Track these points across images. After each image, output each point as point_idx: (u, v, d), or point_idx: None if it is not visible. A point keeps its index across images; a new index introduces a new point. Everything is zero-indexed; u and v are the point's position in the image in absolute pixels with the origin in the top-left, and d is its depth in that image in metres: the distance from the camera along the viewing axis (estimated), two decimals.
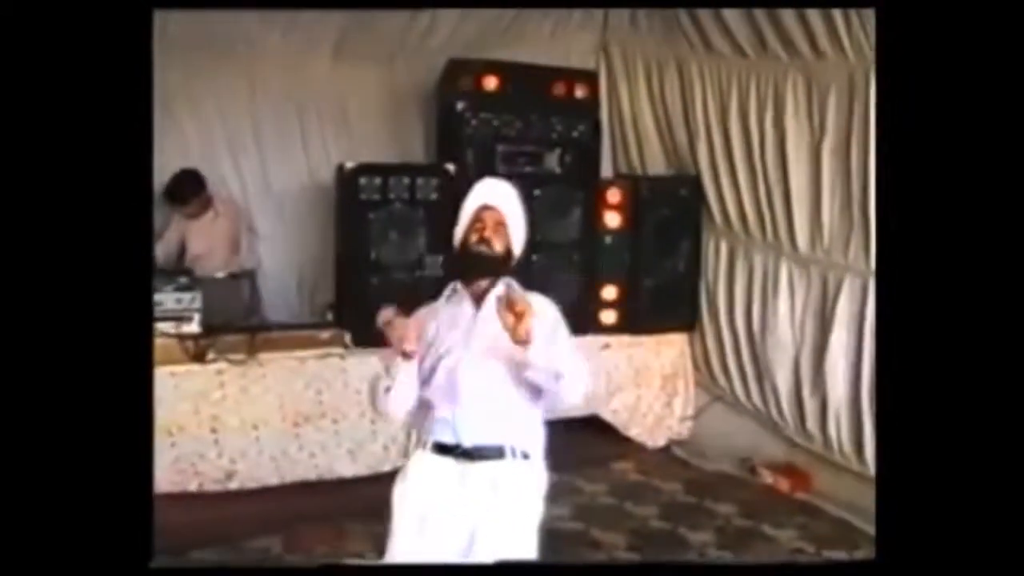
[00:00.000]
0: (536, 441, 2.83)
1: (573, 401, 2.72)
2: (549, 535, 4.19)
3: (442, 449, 2.77)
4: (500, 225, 2.84)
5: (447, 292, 2.92)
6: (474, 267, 2.84)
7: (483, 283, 2.83)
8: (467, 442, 2.73)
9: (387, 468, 4.67)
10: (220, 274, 5.30)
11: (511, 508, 2.72)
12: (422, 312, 2.92)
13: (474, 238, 2.82)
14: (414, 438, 4.70)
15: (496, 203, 2.87)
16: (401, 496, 2.82)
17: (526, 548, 2.74)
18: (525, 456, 2.76)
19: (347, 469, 4.76)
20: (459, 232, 2.88)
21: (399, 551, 2.76)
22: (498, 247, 2.82)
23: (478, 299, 2.83)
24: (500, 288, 2.76)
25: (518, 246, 2.89)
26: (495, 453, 2.73)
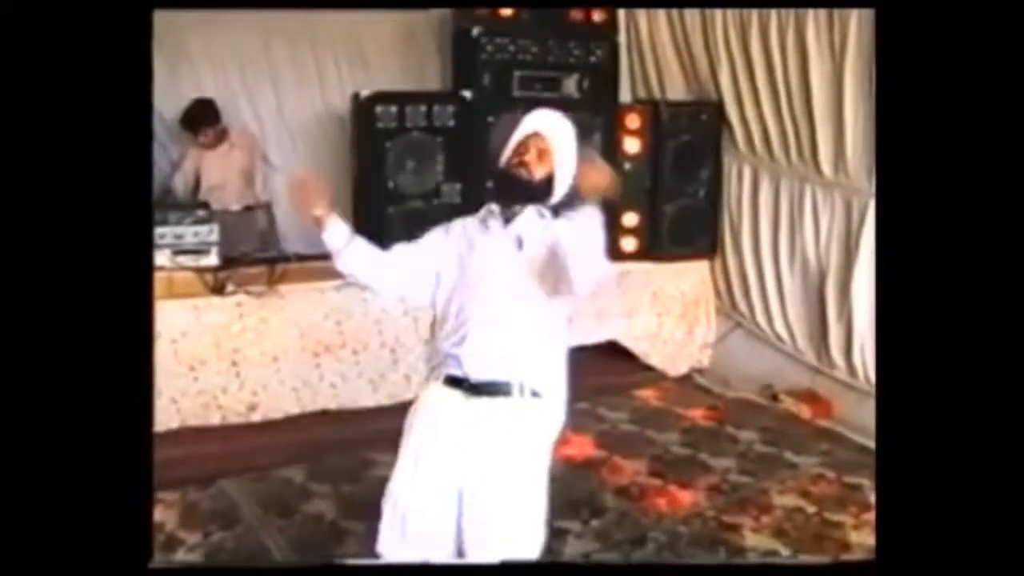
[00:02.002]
0: (550, 380, 2.76)
1: (581, 280, 2.60)
2: (571, 463, 4.28)
3: (451, 382, 2.73)
4: (544, 153, 2.75)
5: (482, 213, 2.86)
6: (510, 191, 2.79)
7: (517, 208, 2.77)
8: (474, 376, 2.69)
9: (408, 397, 4.65)
10: (235, 207, 5.28)
11: (514, 446, 2.68)
12: (455, 224, 2.89)
13: (515, 161, 2.75)
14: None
15: (546, 132, 2.79)
16: (408, 427, 2.79)
17: (526, 488, 2.69)
18: (535, 394, 2.71)
19: (368, 399, 4.77)
20: (505, 152, 2.81)
21: (398, 482, 2.74)
22: (539, 173, 2.74)
23: (507, 220, 2.78)
24: (528, 213, 2.75)
25: (562, 179, 2.77)
26: (502, 389, 2.69)
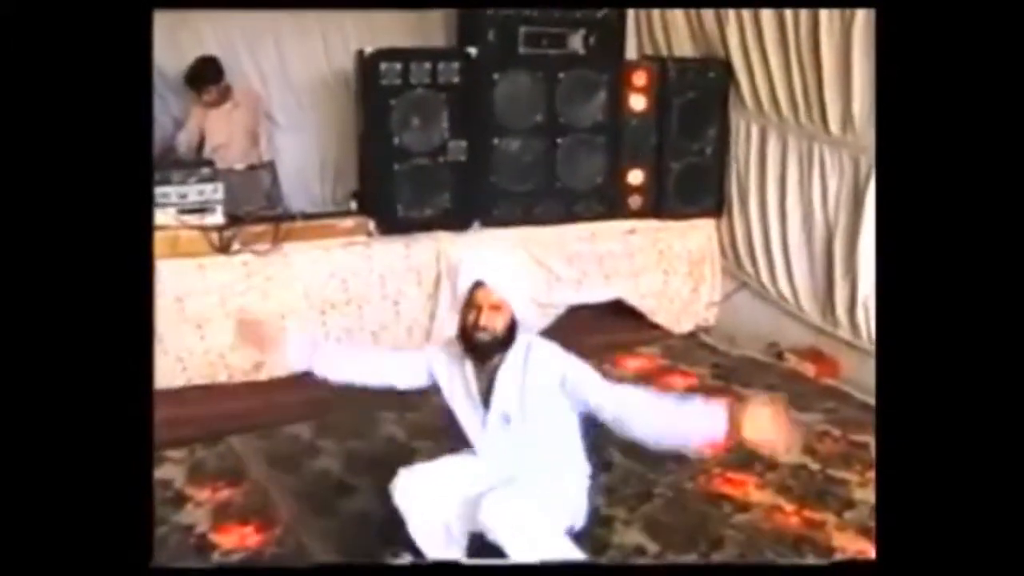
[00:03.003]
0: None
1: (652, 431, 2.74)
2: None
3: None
4: (496, 305, 2.81)
5: (458, 352, 2.94)
6: (481, 353, 2.86)
7: (495, 360, 2.87)
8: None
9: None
10: (240, 165, 5.27)
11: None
12: (438, 354, 3.03)
13: (470, 321, 2.81)
14: (437, 321, 4.76)
15: (488, 281, 2.82)
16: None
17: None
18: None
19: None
20: (459, 311, 2.88)
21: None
22: (499, 327, 2.81)
23: (491, 374, 2.88)
24: (507, 364, 2.86)
25: (521, 312, 2.86)
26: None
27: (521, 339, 2.87)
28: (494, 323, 2.79)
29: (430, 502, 2.86)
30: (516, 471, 2.85)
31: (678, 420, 2.67)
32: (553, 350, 2.89)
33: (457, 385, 2.97)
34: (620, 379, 4.87)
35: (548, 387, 2.83)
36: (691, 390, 4.77)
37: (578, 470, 3.03)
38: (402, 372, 3.08)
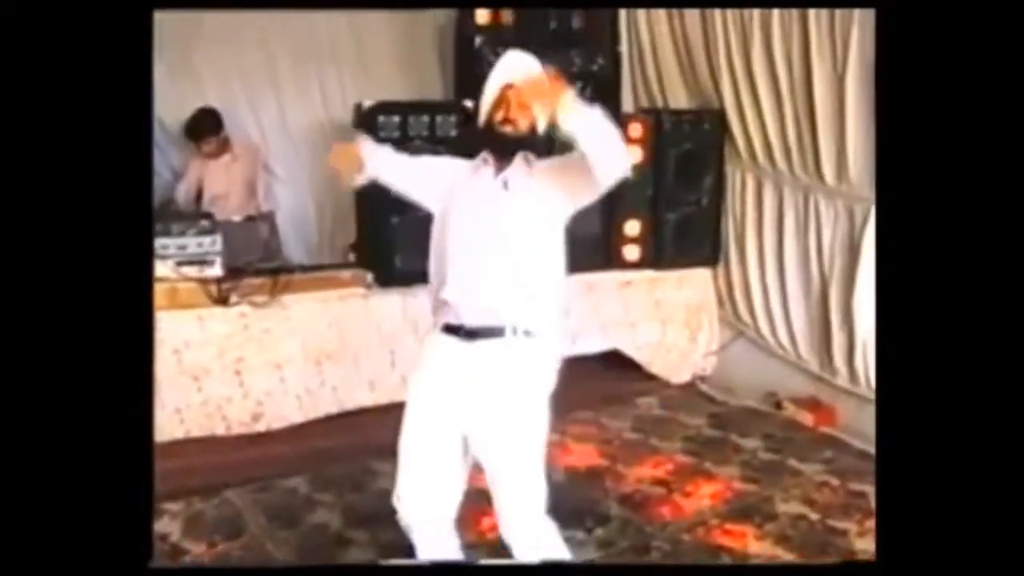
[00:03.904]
0: (542, 319, 2.88)
1: (606, 166, 2.69)
2: (574, 472, 4.28)
3: (448, 329, 2.88)
4: (523, 107, 2.83)
5: (476, 161, 2.97)
6: (500, 147, 2.88)
7: (508, 159, 2.89)
8: (469, 323, 2.83)
9: (405, 398, 4.70)
10: (238, 217, 5.30)
11: (511, 386, 2.82)
12: (448, 161, 3.12)
13: (498, 117, 2.85)
14: None
15: (520, 80, 2.83)
16: (414, 379, 2.99)
17: (530, 423, 2.82)
18: (527, 334, 2.83)
19: (366, 399, 4.76)
20: (484, 108, 2.93)
21: (407, 430, 2.91)
22: (523, 125, 2.84)
23: (499, 171, 2.89)
24: (516, 161, 2.87)
25: (543, 119, 2.86)
26: (496, 332, 2.81)
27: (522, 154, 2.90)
28: (520, 120, 2.84)
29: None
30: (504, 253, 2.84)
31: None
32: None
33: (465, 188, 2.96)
34: (619, 430, 4.93)
35: (548, 190, 2.86)
36: (689, 440, 4.78)
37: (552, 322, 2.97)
38: (420, 182, 3.08)
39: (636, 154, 5.42)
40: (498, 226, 2.84)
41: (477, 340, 2.83)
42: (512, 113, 2.83)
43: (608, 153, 2.68)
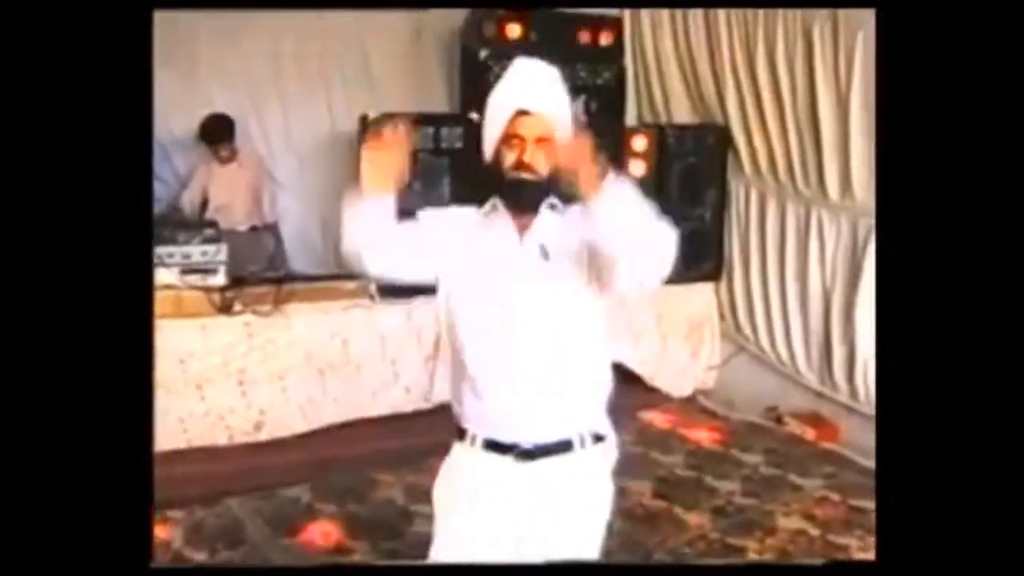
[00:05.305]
0: (605, 413, 2.33)
1: (640, 276, 2.11)
2: None
3: (493, 447, 2.24)
4: (543, 139, 2.18)
5: (486, 208, 2.31)
6: (518, 198, 2.24)
7: (528, 211, 2.25)
8: (526, 440, 2.22)
9: (408, 410, 4.75)
10: (243, 226, 5.32)
11: (583, 505, 2.29)
12: (449, 216, 2.38)
13: (511, 159, 2.20)
14: (437, 380, 4.74)
15: (537, 107, 2.19)
16: (443, 502, 2.34)
17: (591, 545, 2.31)
18: (597, 439, 2.28)
19: (369, 410, 4.76)
20: (489, 138, 2.25)
21: (446, 552, 2.31)
22: (544, 167, 2.18)
23: (522, 229, 2.26)
24: (546, 216, 2.24)
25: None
26: (564, 447, 2.24)
27: (548, 203, 2.26)
28: (539, 161, 2.18)
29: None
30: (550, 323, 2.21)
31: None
32: None
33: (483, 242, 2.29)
34: (620, 443, 4.90)
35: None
36: (691, 455, 4.78)
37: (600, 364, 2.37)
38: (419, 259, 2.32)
39: (640, 168, 5.45)
40: (545, 307, 2.22)
41: (538, 460, 2.22)
42: (529, 156, 2.18)
43: (642, 260, 2.09)
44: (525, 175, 2.18)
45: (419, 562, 2.47)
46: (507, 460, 2.22)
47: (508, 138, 2.20)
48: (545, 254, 2.22)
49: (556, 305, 2.22)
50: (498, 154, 2.23)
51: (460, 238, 2.30)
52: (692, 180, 5.51)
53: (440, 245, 2.29)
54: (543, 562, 2.22)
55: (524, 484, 2.22)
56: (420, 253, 2.30)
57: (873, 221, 4.57)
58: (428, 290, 2.44)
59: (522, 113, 2.19)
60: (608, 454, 2.33)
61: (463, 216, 2.36)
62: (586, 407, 2.29)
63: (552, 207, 2.26)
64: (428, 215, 2.37)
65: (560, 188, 2.20)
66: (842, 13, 4.57)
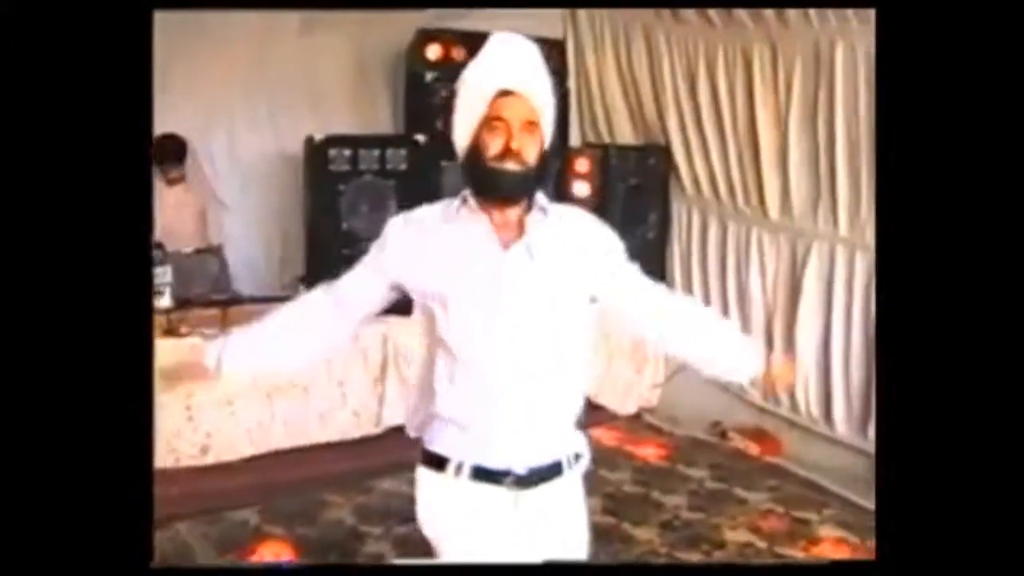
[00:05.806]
0: (580, 431, 2.23)
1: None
2: None
3: (483, 475, 2.04)
4: (531, 123, 1.96)
5: (454, 204, 2.04)
6: (500, 190, 1.98)
7: (510, 207, 2.01)
8: (518, 466, 2.05)
9: (357, 435, 4.73)
10: (188, 249, 5.28)
11: (572, 527, 2.23)
12: (400, 225, 2.14)
13: (495, 147, 1.95)
14: (385, 406, 4.73)
15: (522, 87, 1.95)
16: (441, 532, 2.12)
17: (580, 551, 2.26)
18: (578, 458, 2.19)
19: (318, 435, 4.74)
20: (466, 127, 1.99)
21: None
22: (532, 155, 1.95)
23: (504, 231, 2.01)
24: (536, 217, 2.01)
25: (550, 137, 2.03)
26: (554, 471, 2.11)
27: (539, 204, 2.05)
28: (527, 149, 1.94)
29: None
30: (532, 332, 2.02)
31: (720, 350, 2.29)
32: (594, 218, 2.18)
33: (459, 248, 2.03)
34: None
35: (582, 250, 2.12)
36: (637, 471, 4.83)
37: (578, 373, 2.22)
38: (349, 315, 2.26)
39: (583, 189, 5.51)
40: (534, 317, 2.01)
41: (529, 488, 2.06)
42: (516, 143, 1.93)
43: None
44: (511, 165, 1.94)
45: (419, 562, 2.39)
46: (497, 489, 2.04)
47: (489, 121, 1.96)
48: (530, 253, 2.00)
49: (545, 314, 2.03)
50: (477, 140, 1.97)
51: (431, 250, 2.05)
52: (635, 200, 5.58)
53: (405, 265, 2.10)
54: (543, 562, 2.13)
55: (521, 515, 2.07)
56: (381, 285, 2.19)
57: (811, 241, 4.69)
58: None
59: (505, 93, 1.95)
60: (582, 469, 2.22)
61: (427, 221, 2.10)
62: (569, 424, 2.17)
63: (540, 208, 2.04)
64: (394, 230, 2.17)
65: (545, 181, 2.04)
66: (780, 36, 4.68)
